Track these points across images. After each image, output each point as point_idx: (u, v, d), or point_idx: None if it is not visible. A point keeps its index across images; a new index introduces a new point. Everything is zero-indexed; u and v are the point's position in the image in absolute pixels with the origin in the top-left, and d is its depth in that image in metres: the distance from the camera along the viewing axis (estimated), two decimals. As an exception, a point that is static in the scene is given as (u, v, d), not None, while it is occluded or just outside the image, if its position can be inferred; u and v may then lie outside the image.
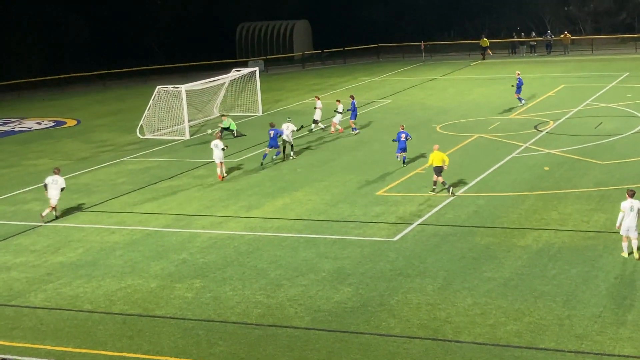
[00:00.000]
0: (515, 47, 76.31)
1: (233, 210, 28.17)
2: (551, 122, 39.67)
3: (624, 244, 21.16)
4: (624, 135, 35.63)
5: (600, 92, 48.06)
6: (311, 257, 22.55)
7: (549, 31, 76.12)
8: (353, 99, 41.22)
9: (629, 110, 41.46)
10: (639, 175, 28.57)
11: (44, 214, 27.93)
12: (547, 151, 33.58)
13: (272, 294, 20.12)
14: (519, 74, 45.21)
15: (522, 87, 44.93)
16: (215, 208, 28.60)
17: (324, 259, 22.37)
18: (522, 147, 34.59)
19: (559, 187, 28.14)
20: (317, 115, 42.18)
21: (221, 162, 32.93)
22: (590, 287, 19.12)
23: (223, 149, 32.89)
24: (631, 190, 21.28)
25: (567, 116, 41.13)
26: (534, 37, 75.89)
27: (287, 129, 35.28)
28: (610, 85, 50.64)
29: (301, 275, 21.23)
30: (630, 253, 20.97)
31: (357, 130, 40.44)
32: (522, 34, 76.73)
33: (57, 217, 28.28)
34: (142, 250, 24.33)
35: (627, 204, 20.91)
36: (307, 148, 37.87)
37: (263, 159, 34.80)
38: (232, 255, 23.30)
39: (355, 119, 40.68)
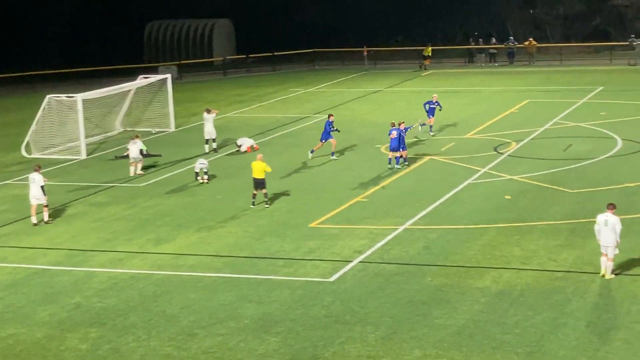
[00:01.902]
0: (472, 56, 77.58)
1: (138, 244, 27.92)
2: (514, 144, 40.37)
3: (602, 259, 22.61)
4: (597, 159, 36.46)
5: (570, 109, 49.13)
6: (231, 301, 22.45)
7: (511, 37, 77.62)
8: (330, 117, 39.92)
9: (602, 130, 42.46)
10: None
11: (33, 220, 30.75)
12: (509, 177, 34.14)
13: (184, 345, 19.95)
14: (435, 96, 44.42)
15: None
16: (117, 242, 28.30)
17: (247, 303, 22.29)
18: (481, 172, 35.12)
19: (522, 219, 28.61)
20: (209, 132, 42.06)
21: (137, 162, 37.30)
22: (558, 337, 19.43)
23: (142, 150, 37.50)
24: (612, 204, 22.81)
25: (532, 136, 41.92)
26: (495, 44, 77.31)
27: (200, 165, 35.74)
28: (582, 101, 51.82)
29: (219, 322, 21.11)
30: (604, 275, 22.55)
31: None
32: (480, 40, 78.10)
33: (48, 222, 30.86)
34: (26, 292, 23.90)
35: (602, 217, 22.58)
36: (228, 170, 37.80)
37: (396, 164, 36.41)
38: (136, 298, 23.05)
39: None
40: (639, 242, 25.02)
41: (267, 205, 31.40)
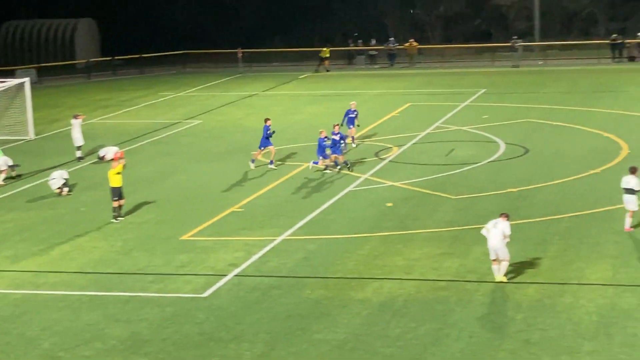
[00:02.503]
0: (352, 57, 78.41)
1: (-6, 262, 27.27)
2: (395, 149, 40.92)
3: (493, 267, 23.35)
4: (480, 164, 37.23)
5: (452, 113, 50.10)
6: (97, 321, 22.10)
7: (391, 39, 78.76)
8: (267, 121, 38.40)
9: (485, 134, 43.42)
10: (497, 212, 29.86)
11: None
12: (391, 183, 34.59)
13: (46, 369, 19.57)
14: (354, 104, 42.50)
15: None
16: (-29, 260, 27.58)
17: (114, 322, 21.97)
18: (361, 179, 35.48)
19: (404, 227, 29.02)
20: (76, 138, 41.38)
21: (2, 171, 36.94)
22: (441, 349, 19.75)
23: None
24: (505, 214, 23.77)
25: (413, 141, 42.58)
26: (375, 45, 78.31)
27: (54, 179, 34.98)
28: (464, 105, 52.92)
29: (84, 344, 20.75)
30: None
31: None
32: (360, 41, 79.00)
33: None
34: None
35: (492, 222, 23.48)
36: (93, 180, 37.19)
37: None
38: (-8, 320, 22.50)
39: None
40: (523, 249, 25.59)
41: (116, 220, 30.98)
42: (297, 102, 57.68)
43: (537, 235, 27.36)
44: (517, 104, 52.69)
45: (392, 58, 76.29)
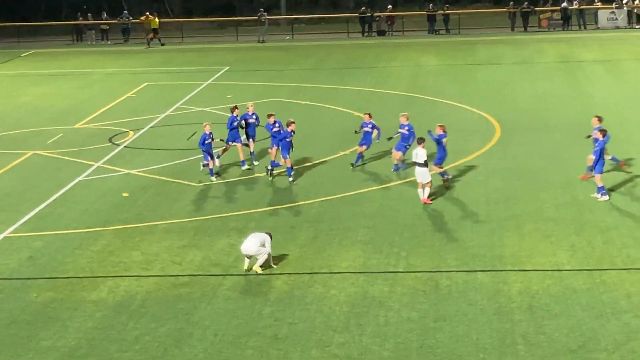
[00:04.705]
0: (81, 32, 77.07)
1: None
2: (131, 133, 40.60)
3: (246, 260, 23.94)
4: (224, 147, 37.41)
5: (194, 92, 50.23)
6: None
7: (125, 12, 77.94)
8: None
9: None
10: (244, 199, 30.34)
11: None
12: (127, 171, 34.31)
13: None
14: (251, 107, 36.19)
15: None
16: None
17: None
18: (94, 167, 35.02)
19: (142, 218, 28.88)
20: None
21: None
22: (183, 350, 19.84)
23: None
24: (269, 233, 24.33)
25: (151, 124, 42.37)
26: (106, 19, 77.27)
27: None
28: (207, 83, 53.14)
29: None
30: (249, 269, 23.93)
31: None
32: (89, 14, 77.71)
33: None
34: None
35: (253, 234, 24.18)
36: None
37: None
38: None
39: None
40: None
41: None
42: (19, 83, 56.17)
43: (286, 222, 27.90)
44: (263, 82, 53.37)
45: (126, 33, 75.51)
